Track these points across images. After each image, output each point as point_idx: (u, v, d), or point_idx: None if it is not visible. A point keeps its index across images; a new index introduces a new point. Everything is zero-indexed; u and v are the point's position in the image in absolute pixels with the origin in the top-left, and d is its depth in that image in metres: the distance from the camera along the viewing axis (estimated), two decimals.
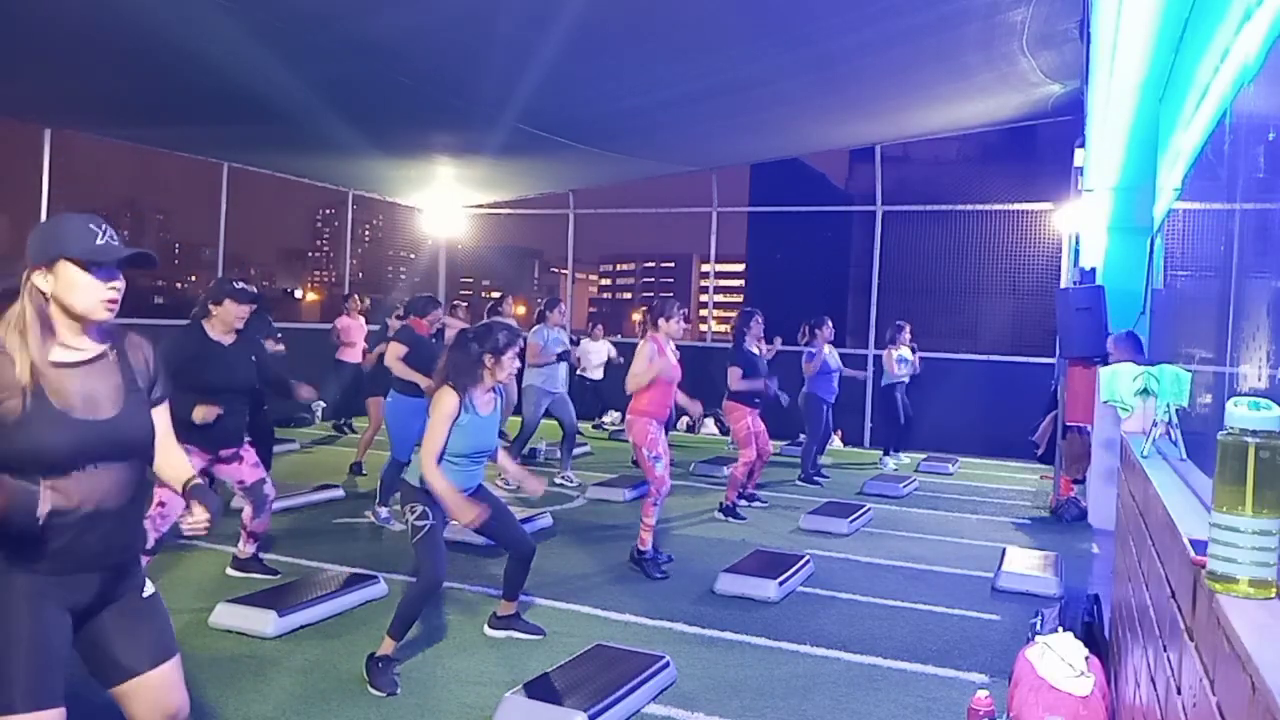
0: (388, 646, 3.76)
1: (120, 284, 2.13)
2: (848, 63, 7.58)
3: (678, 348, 5.86)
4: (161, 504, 4.46)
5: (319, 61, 6.91)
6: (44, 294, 2.07)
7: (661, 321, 5.63)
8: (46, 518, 2.00)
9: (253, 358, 4.85)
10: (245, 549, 5.12)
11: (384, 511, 6.43)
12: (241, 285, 4.77)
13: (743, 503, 7.44)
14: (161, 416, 2.30)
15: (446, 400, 3.84)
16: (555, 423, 8.43)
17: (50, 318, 2.07)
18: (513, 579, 4.29)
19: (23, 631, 1.99)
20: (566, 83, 7.40)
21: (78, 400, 2.06)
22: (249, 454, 4.86)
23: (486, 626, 4.38)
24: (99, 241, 2.08)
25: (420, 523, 3.82)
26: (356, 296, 10.94)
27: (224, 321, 4.67)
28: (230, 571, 5.11)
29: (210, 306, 4.67)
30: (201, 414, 4.41)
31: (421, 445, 3.89)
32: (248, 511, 5.00)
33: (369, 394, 8.29)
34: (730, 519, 7.08)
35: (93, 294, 2.08)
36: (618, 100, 8.27)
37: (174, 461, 2.37)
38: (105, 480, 2.08)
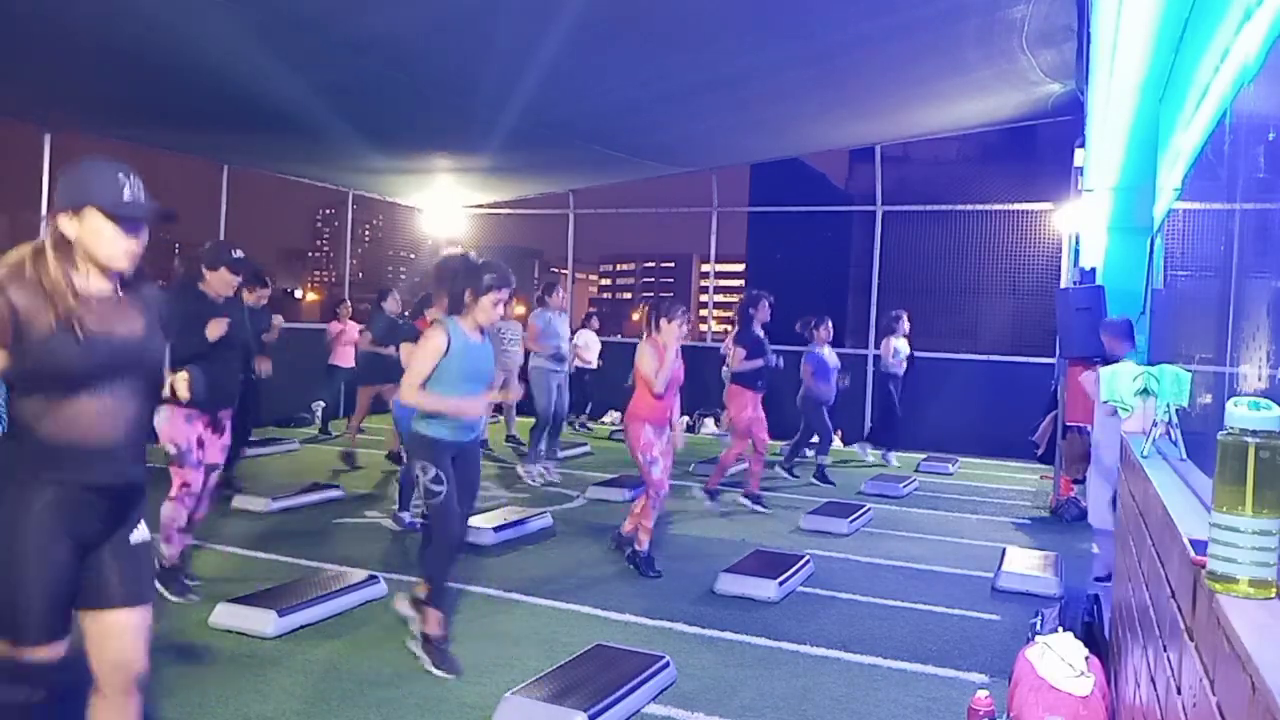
0: (434, 622, 3.84)
1: (144, 237, 2.23)
2: (846, 56, 7.57)
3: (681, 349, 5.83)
4: (186, 484, 4.53)
5: (318, 61, 6.91)
6: (68, 237, 2.15)
7: (664, 322, 5.57)
8: (67, 444, 2.11)
9: (255, 332, 4.87)
10: (169, 550, 4.58)
11: (407, 516, 6.34)
12: (239, 255, 4.74)
13: (746, 503, 7.40)
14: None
15: (434, 336, 3.86)
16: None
17: (73, 256, 2.17)
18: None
19: (35, 571, 2.10)
20: (565, 76, 7.38)
21: (100, 324, 2.16)
22: (226, 435, 4.81)
23: (400, 598, 4.10)
24: (126, 195, 2.17)
25: (436, 487, 3.84)
26: (349, 303, 11.00)
27: (215, 288, 4.68)
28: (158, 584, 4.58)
29: (205, 270, 4.67)
30: (215, 330, 4.47)
31: (403, 377, 3.91)
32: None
33: (361, 383, 8.38)
34: (757, 507, 7.13)
35: (116, 244, 2.17)
36: (616, 93, 8.26)
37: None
38: (122, 405, 2.18)
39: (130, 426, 2.21)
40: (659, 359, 5.47)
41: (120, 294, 2.25)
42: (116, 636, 2.25)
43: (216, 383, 4.53)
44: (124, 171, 2.18)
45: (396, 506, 6.46)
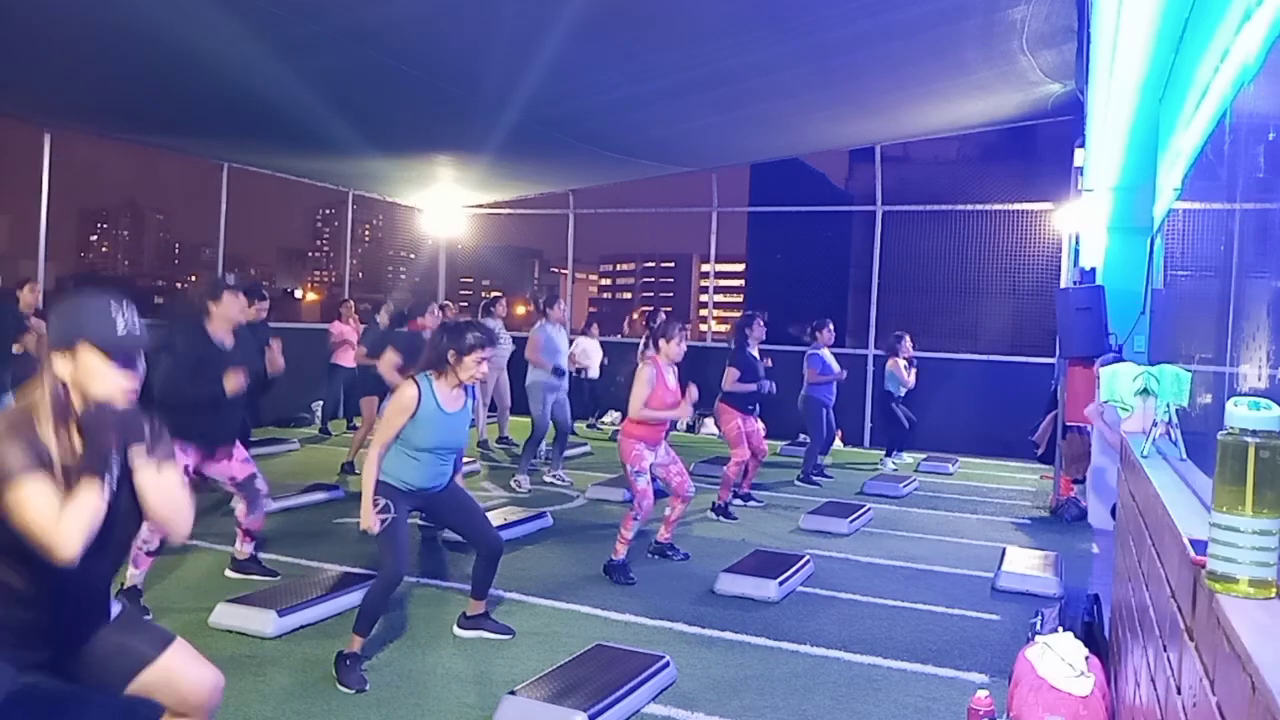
0: (355, 644, 3.77)
1: (141, 371, 2.12)
2: (846, 55, 7.58)
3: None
4: None
5: (318, 54, 6.90)
6: (63, 379, 2.05)
7: (663, 343, 5.63)
8: (41, 605, 2.03)
9: (259, 350, 4.85)
10: (243, 549, 5.09)
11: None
12: (234, 279, 4.72)
13: (737, 502, 7.44)
14: (168, 473, 2.22)
15: (403, 393, 3.85)
16: (551, 422, 8.43)
17: (67, 403, 2.06)
18: (480, 577, 4.27)
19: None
20: (566, 70, 7.37)
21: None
22: (238, 450, 4.79)
23: (455, 627, 4.34)
24: (120, 330, 2.06)
25: (382, 515, 3.82)
26: (352, 303, 11.00)
27: (225, 318, 4.60)
28: (229, 573, 5.08)
29: (209, 304, 4.59)
30: (233, 384, 4.45)
31: (375, 434, 3.91)
32: (241, 509, 4.94)
33: (363, 393, 8.37)
34: (722, 518, 7.09)
35: (112, 380, 2.06)
36: (617, 89, 8.25)
37: None
38: (98, 567, 2.09)
39: (102, 584, 2.16)
40: (653, 385, 5.47)
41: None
42: (182, 668, 2.24)
43: (215, 430, 4.54)
44: (116, 301, 2.08)
45: None
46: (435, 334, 4.03)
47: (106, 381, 2.06)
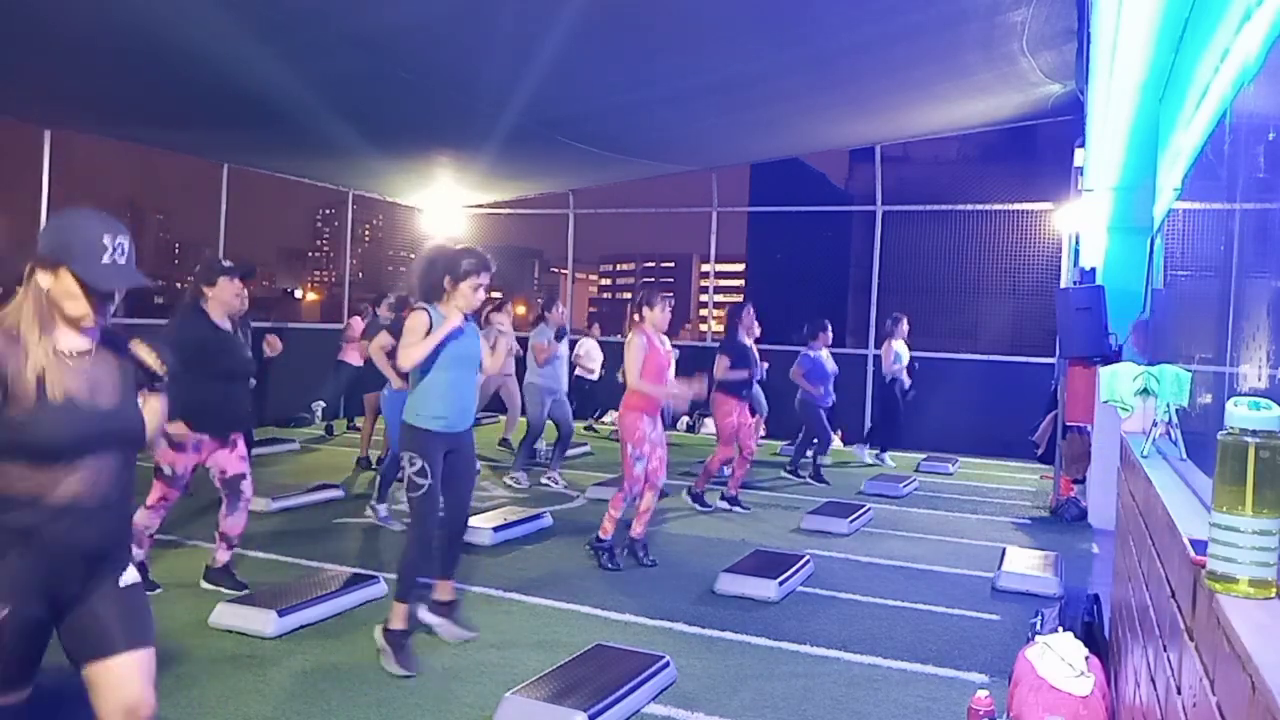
0: (399, 615, 3.81)
1: (115, 304, 2.18)
2: (847, 59, 7.58)
3: (674, 345, 5.85)
4: (164, 498, 4.59)
5: (318, 57, 6.91)
6: (43, 289, 2.11)
7: (647, 310, 5.61)
8: (45, 509, 2.06)
9: (248, 339, 4.90)
10: (220, 555, 4.82)
11: (383, 510, 6.41)
12: (230, 262, 4.69)
13: (724, 505, 7.40)
14: (156, 402, 2.36)
15: (416, 317, 3.90)
16: (551, 423, 8.43)
17: (48, 312, 2.12)
18: (443, 554, 4.20)
19: (4, 627, 2.04)
20: (566, 75, 7.39)
21: (79, 390, 2.11)
22: (240, 445, 4.78)
23: (422, 607, 4.23)
24: (105, 261, 2.09)
25: (420, 479, 3.83)
26: (370, 308, 10.99)
27: (222, 302, 4.59)
28: (202, 583, 4.80)
29: (204, 289, 4.58)
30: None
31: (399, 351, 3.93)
32: (222, 510, 4.79)
33: (368, 389, 8.40)
34: (697, 505, 7.19)
35: (85, 309, 2.12)
36: (617, 94, 8.27)
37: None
38: (102, 470, 2.13)
39: (111, 489, 2.16)
40: (645, 350, 5.50)
41: (100, 348, 2.19)
42: (124, 682, 2.19)
43: (226, 412, 4.57)
44: (110, 235, 2.10)
45: (375, 497, 6.47)
46: (430, 263, 3.98)
47: (79, 308, 2.12)
